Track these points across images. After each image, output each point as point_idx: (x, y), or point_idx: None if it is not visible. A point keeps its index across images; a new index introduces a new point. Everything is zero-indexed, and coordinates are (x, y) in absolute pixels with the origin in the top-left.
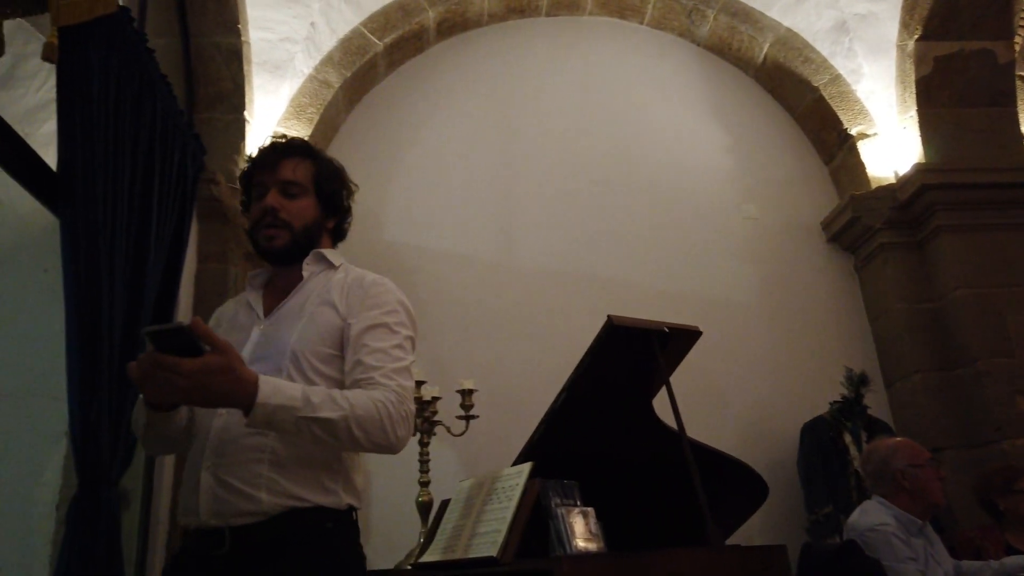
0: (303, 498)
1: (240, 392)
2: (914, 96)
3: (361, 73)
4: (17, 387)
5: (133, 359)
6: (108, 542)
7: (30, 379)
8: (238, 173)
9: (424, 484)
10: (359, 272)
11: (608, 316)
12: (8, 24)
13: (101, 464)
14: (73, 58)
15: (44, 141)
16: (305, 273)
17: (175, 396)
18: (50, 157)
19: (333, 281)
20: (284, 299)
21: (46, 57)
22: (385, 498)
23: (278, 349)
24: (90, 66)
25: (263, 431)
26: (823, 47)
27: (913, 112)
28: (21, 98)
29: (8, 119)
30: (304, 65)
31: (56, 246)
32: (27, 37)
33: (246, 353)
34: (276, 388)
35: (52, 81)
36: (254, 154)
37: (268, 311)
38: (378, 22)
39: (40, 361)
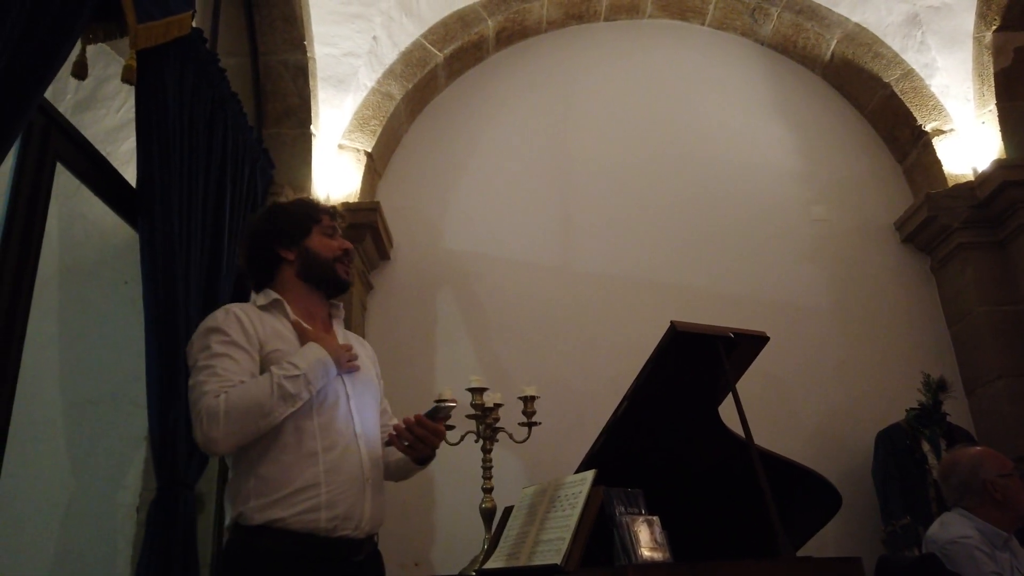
0: None
1: None
2: (993, 89)
3: (422, 84)
4: (101, 394)
5: None
6: (185, 543)
7: (113, 386)
8: (308, 186)
9: (487, 490)
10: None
11: (671, 322)
12: (90, 49)
13: (178, 468)
14: (150, 79)
15: (124, 159)
16: (338, 316)
17: (428, 451)
18: (129, 174)
19: (355, 341)
20: (323, 328)
21: (126, 79)
22: (449, 504)
23: (373, 405)
24: (166, 86)
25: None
26: (894, 41)
27: (992, 106)
28: (103, 118)
29: (91, 138)
30: (367, 78)
31: (136, 259)
32: (107, 61)
33: (353, 403)
34: None
35: (131, 102)
36: (309, 197)
37: (304, 333)
38: (438, 33)
39: (122, 369)
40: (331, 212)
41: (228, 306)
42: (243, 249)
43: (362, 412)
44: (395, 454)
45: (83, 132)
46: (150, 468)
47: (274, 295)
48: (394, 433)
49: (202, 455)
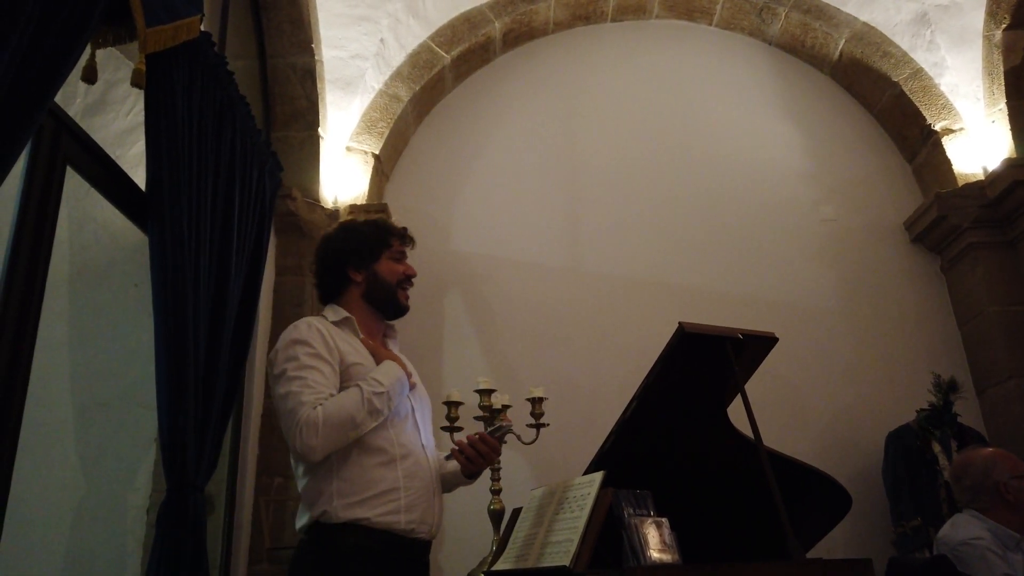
0: None
1: None
2: (1003, 88)
3: (429, 86)
4: (112, 396)
5: (217, 369)
6: (194, 545)
7: (124, 389)
8: (316, 189)
9: (495, 492)
10: None
11: (679, 323)
12: (99, 53)
13: (187, 470)
14: (159, 83)
15: (134, 162)
16: (393, 337)
17: (485, 467)
18: (139, 177)
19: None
20: (382, 344)
21: (135, 83)
22: (457, 506)
23: (430, 419)
24: (175, 90)
25: None
26: (903, 41)
27: (1002, 105)
28: (112, 122)
29: (100, 142)
30: (374, 80)
31: (146, 262)
32: (117, 64)
33: (418, 416)
34: None
35: (140, 105)
36: (381, 219)
37: (377, 352)
38: (445, 35)
39: (133, 371)
40: (402, 236)
41: (308, 319)
42: (316, 262)
43: (424, 425)
44: (447, 467)
45: (93, 136)
46: (160, 470)
47: (344, 313)
48: (456, 448)
49: (211, 457)
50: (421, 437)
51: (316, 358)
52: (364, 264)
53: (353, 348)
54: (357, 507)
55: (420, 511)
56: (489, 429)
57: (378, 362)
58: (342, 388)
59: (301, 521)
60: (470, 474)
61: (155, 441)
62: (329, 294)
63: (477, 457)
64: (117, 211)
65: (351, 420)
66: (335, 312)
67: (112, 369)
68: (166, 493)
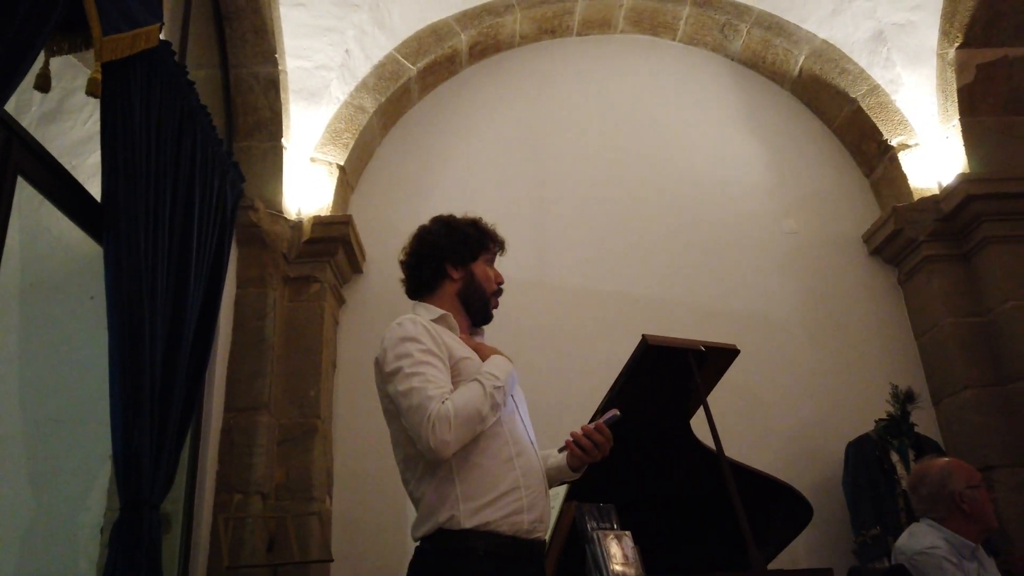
0: None
1: None
2: (956, 105)
3: (395, 98)
4: (65, 412)
5: (175, 384)
6: (149, 565)
7: (78, 405)
8: (279, 200)
9: None
10: None
11: (643, 335)
12: (55, 61)
13: (143, 488)
14: (116, 92)
15: (92, 172)
16: (481, 335)
17: (599, 458)
18: (96, 188)
19: None
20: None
21: (90, 92)
22: None
23: (528, 415)
24: (132, 99)
25: None
26: (860, 58)
27: (956, 121)
28: (69, 131)
29: (56, 152)
30: (339, 91)
31: (102, 274)
32: (74, 72)
33: (522, 411)
34: None
35: (98, 114)
36: (484, 223)
37: (480, 349)
38: (411, 47)
39: (87, 386)
40: (500, 242)
41: (411, 316)
42: (410, 253)
43: (527, 420)
44: (548, 461)
45: (49, 145)
46: (114, 488)
47: (439, 310)
48: (571, 440)
49: (167, 474)
50: (529, 433)
51: (429, 354)
52: (464, 262)
53: (457, 343)
54: (483, 510)
55: (539, 510)
56: (603, 419)
57: (481, 356)
58: (453, 384)
59: (423, 529)
60: (577, 467)
61: (110, 458)
62: (420, 287)
63: (593, 448)
64: (72, 222)
65: (478, 414)
66: (429, 310)
67: (65, 384)
68: (120, 511)
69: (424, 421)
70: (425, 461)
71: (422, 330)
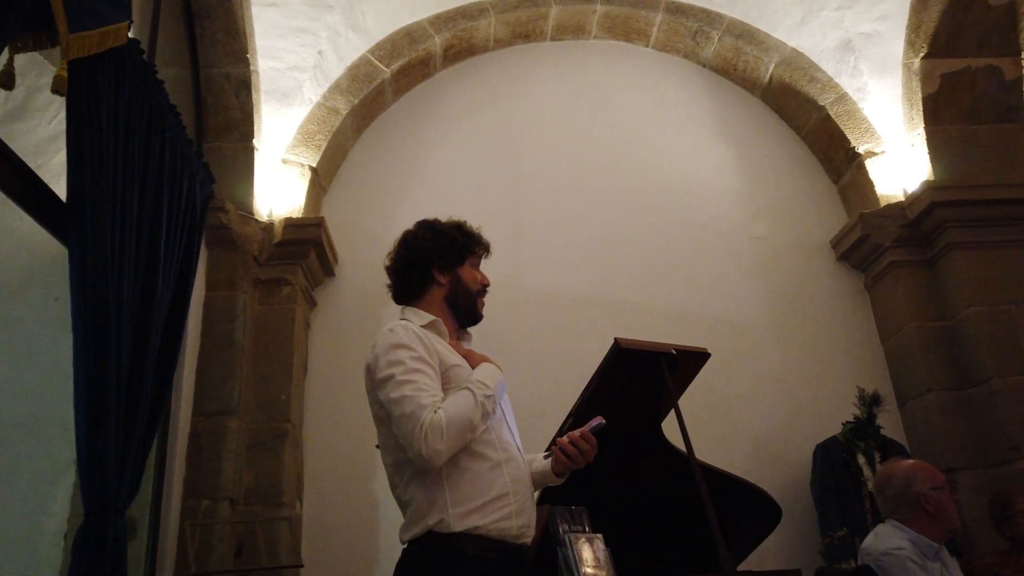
0: None
1: None
2: (921, 114)
3: (369, 100)
4: (28, 416)
5: (141, 388)
6: (114, 571)
7: (41, 408)
8: (250, 201)
9: None
10: None
11: (615, 339)
12: (21, 58)
13: (108, 493)
14: (82, 90)
15: (57, 172)
16: (468, 340)
17: (583, 464)
18: (62, 188)
19: None
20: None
21: (56, 90)
22: (389, 523)
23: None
24: (99, 97)
25: None
26: (829, 66)
27: (921, 130)
28: (34, 130)
29: (21, 151)
30: (312, 93)
31: (66, 275)
32: (40, 69)
33: (508, 418)
34: None
35: (63, 113)
36: (469, 226)
37: (470, 356)
38: (385, 49)
39: (51, 390)
40: (485, 245)
41: (402, 323)
42: (396, 259)
43: (513, 426)
44: (533, 467)
45: (14, 143)
46: (79, 493)
47: (429, 316)
48: (556, 447)
49: (133, 479)
50: (515, 439)
51: (420, 361)
52: (450, 267)
53: (448, 350)
54: (472, 515)
55: (527, 515)
56: (588, 427)
57: (471, 363)
58: (443, 391)
59: (411, 532)
60: (562, 473)
61: (74, 463)
62: (408, 293)
63: (578, 455)
64: (36, 222)
65: (469, 423)
66: (419, 316)
67: (28, 387)
68: (84, 517)
69: (417, 430)
70: (415, 465)
71: (414, 337)
